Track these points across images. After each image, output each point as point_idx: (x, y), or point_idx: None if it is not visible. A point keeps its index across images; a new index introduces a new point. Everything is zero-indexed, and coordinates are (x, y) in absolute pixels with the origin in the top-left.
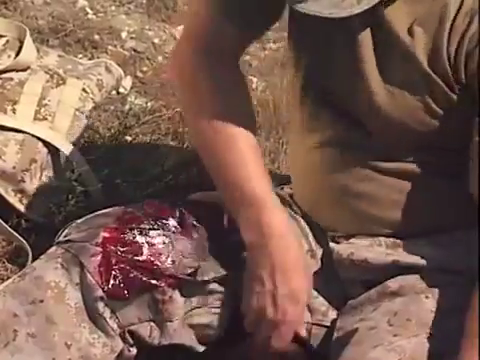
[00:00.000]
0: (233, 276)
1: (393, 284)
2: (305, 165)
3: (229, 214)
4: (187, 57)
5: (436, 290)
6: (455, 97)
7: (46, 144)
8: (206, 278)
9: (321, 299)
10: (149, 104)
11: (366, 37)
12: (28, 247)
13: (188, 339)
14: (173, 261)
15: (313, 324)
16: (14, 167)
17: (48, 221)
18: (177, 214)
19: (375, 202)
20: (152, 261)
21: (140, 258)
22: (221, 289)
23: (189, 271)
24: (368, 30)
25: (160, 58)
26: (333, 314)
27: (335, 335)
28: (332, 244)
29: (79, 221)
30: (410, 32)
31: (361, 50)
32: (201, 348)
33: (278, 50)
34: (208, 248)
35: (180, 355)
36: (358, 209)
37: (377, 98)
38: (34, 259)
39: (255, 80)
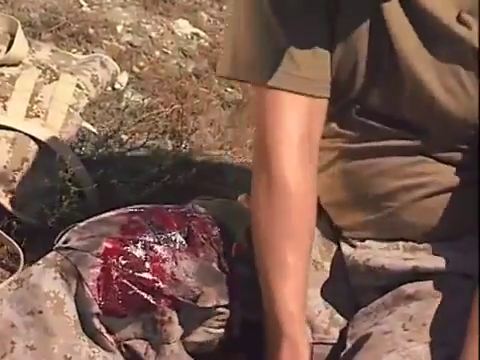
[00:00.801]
0: (234, 305)
1: (409, 288)
2: (339, 167)
3: (238, 243)
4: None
5: (453, 295)
6: None
7: (38, 142)
8: (208, 305)
9: (323, 315)
10: (146, 101)
11: (411, 37)
12: (20, 250)
13: (185, 358)
14: (176, 280)
15: (315, 343)
16: (5, 166)
17: (41, 223)
18: (185, 229)
19: (406, 205)
20: (153, 278)
21: (141, 274)
22: (221, 311)
23: (191, 295)
24: (411, 30)
25: (157, 53)
26: (336, 331)
27: (348, 344)
28: (346, 248)
29: (81, 225)
30: (460, 20)
31: (408, 52)
32: None
33: None
34: (212, 272)
35: None
36: (387, 212)
37: (435, 96)
38: (26, 262)
39: None
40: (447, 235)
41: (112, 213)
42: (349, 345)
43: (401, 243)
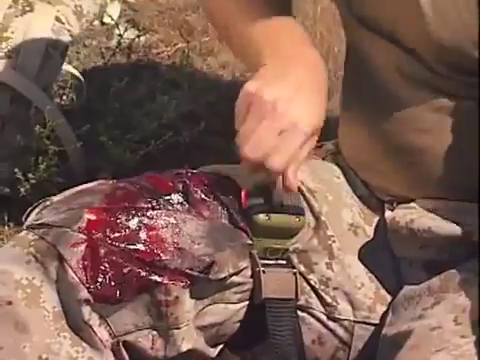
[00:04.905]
0: (254, 266)
1: (463, 272)
2: (356, 115)
3: (247, 190)
4: None
5: None
6: None
7: (9, 90)
8: (222, 276)
9: (366, 289)
10: (143, 39)
11: None
12: None
13: (199, 345)
14: (180, 249)
15: (356, 322)
16: None
17: (12, 191)
18: (180, 187)
19: (441, 155)
20: (152, 250)
21: (136, 247)
22: (239, 280)
23: (200, 266)
24: None
25: None
26: (382, 309)
27: (384, 331)
28: (388, 212)
29: (55, 199)
30: None
31: None
32: (214, 352)
33: None
34: (224, 230)
35: None
36: (421, 165)
37: (426, 19)
38: None
39: None
40: None
41: (92, 184)
42: (385, 334)
43: (451, 203)
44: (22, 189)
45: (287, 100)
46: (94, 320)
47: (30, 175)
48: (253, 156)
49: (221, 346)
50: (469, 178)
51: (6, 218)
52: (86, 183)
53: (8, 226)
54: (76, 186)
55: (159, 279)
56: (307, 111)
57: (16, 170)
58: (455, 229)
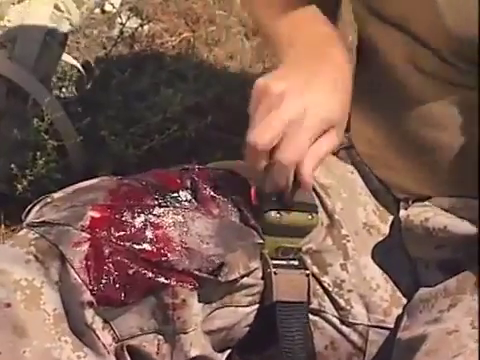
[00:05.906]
0: (265, 267)
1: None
2: (369, 110)
3: (257, 187)
4: None
5: None
6: None
7: (5, 81)
8: (232, 277)
9: (382, 291)
10: (146, 28)
11: None
12: None
13: (207, 351)
14: (188, 249)
15: (370, 327)
16: None
17: (9, 187)
18: (188, 184)
19: (458, 151)
20: (159, 250)
21: (142, 246)
22: (250, 282)
23: (210, 267)
24: None
25: None
26: (397, 311)
27: (399, 335)
28: (402, 210)
29: (56, 196)
30: None
31: None
32: (221, 357)
33: None
34: (235, 229)
35: None
36: (437, 162)
37: (439, 11)
38: None
39: None
40: None
41: (95, 180)
42: (400, 338)
43: (468, 201)
44: (19, 186)
45: (296, 92)
46: (97, 324)
47: (27, 171)
48: (260, 142)
49: (229, 351)
50: None
51: (2, 216)
52: (86, 180)
53: (4, 224)
54: (76, 183)
55: (166, 281)
56: (318, 103)
57: (13, 166)
58: (471, 228)
